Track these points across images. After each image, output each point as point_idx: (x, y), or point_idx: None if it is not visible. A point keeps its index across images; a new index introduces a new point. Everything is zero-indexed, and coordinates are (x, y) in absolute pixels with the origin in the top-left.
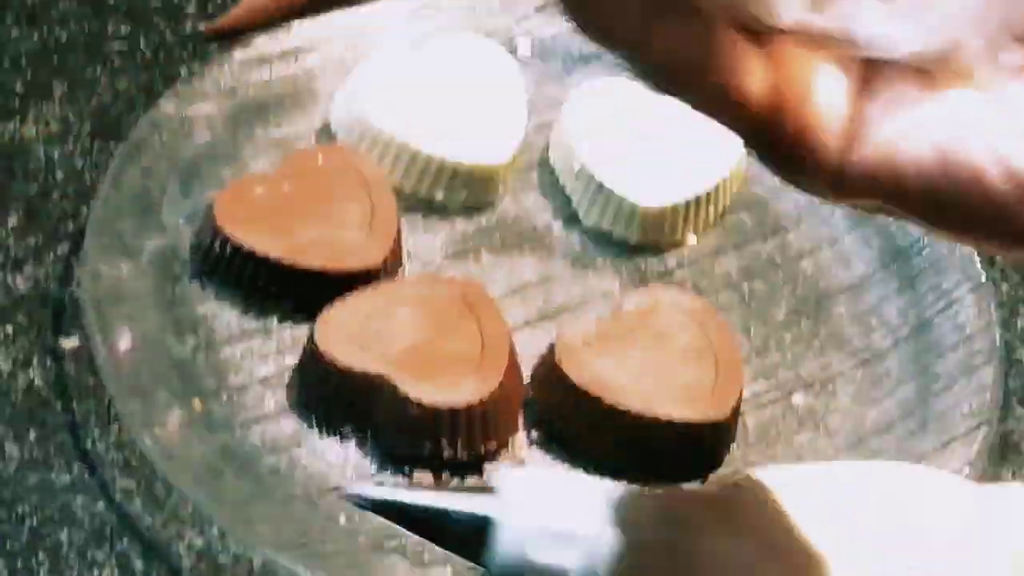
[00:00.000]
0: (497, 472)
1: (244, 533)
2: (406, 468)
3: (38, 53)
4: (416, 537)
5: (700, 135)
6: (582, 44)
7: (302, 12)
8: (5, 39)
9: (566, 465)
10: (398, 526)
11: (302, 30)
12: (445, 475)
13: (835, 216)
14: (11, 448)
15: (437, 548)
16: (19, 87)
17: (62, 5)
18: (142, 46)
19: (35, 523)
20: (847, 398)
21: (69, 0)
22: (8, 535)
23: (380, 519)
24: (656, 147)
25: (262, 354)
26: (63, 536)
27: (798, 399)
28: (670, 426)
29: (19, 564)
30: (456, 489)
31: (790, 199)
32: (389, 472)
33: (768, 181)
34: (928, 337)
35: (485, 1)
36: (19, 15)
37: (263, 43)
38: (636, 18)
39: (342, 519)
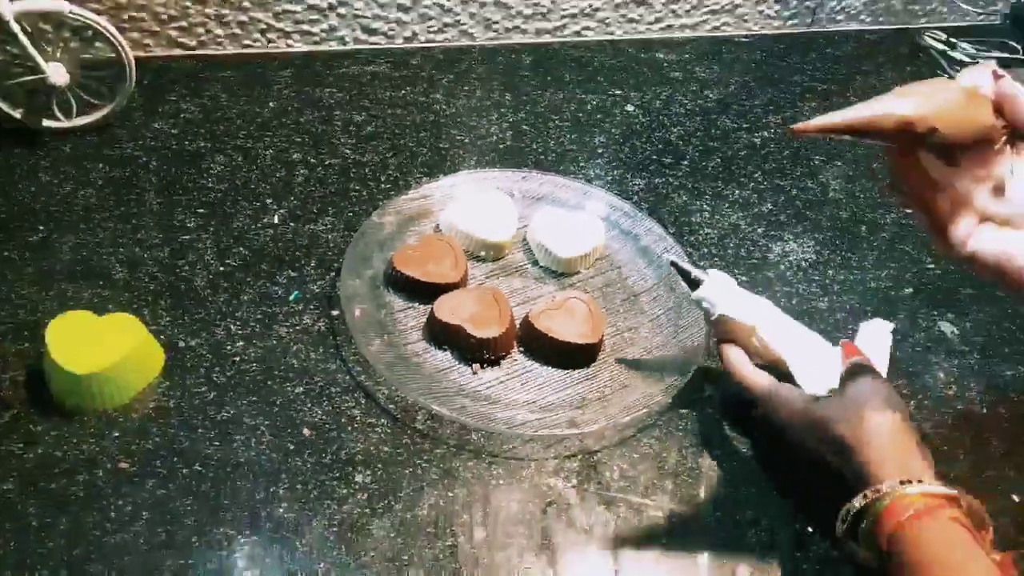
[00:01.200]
0: (707, 271)
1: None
2: (471, 364)
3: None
4: None
5: (583, 230)
6: (539, 191)
7: (848, 133)
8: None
9: (534, 364)
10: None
11: (427, 187)
12: (485, 367)
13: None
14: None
15: None
16: (318, 199)
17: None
18: (367, 192)
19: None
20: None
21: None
22: None
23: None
24: (565, 231)
25: (413, 317)
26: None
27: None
28: (575, 345)
29: None
30: (694, 265)
31: (635, 269)
32: (462, 365)
33: (620, 252)
34: None
35: (498, 174)
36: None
37: (411, 192)
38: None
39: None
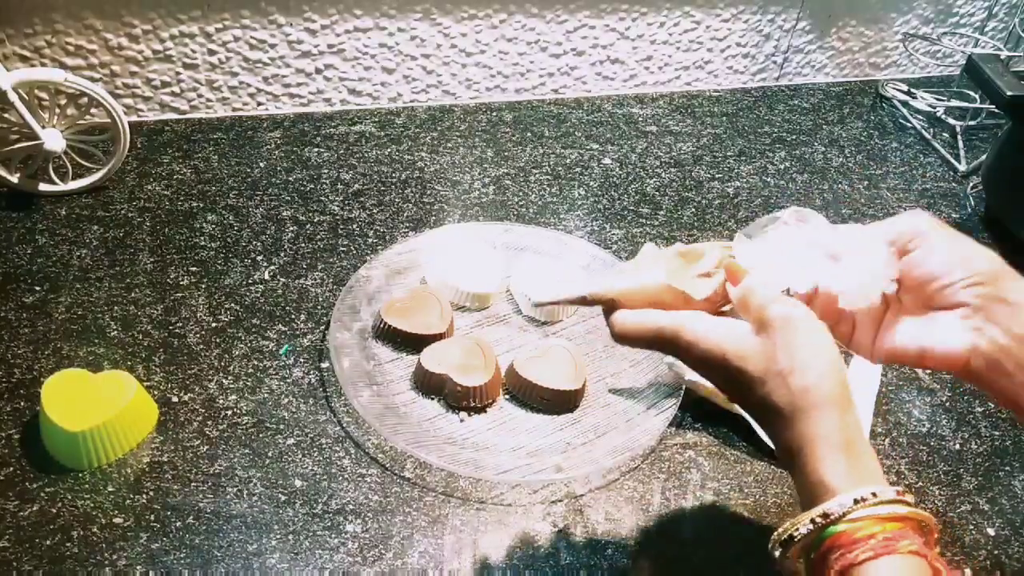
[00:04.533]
0: None
1: (393, 435)
2: (459, 412)
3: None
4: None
5: (564, 280)
6: (522, 243)
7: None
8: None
9: (520, 411)
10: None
11: (412, 241)
12: (472, 415)
13: None
14: None
15: None
16: (307, 255)
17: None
18: (355, 247)
19: None
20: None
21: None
22: None
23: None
24: (547, 281)
25: (400, 368)
26: None
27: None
28: (558, 391)
29: None
30: None
31: None
32: (450, 413)
33: None
34: None
35: (482, 227)
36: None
37: (397, 246)
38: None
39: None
